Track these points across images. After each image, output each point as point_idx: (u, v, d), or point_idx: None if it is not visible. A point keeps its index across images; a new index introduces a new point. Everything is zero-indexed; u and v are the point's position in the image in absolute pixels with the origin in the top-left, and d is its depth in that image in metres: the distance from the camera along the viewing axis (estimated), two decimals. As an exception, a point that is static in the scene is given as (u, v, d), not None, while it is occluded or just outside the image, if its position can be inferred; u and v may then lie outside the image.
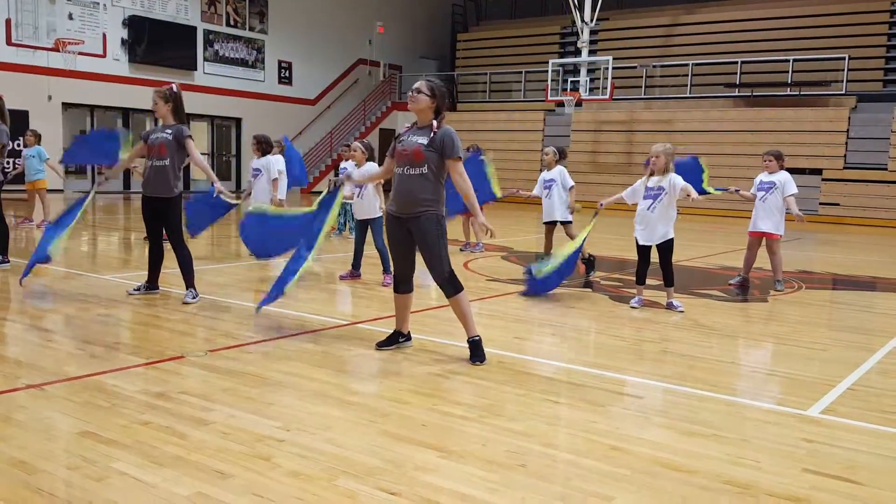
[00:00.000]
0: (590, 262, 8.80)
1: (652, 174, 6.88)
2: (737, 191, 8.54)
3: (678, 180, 6.75)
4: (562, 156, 9.01)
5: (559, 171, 8.80)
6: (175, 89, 6.62)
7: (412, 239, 4.97)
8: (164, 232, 6.78)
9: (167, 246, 6.75)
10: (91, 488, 2.90)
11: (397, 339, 5.23)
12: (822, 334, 6.45)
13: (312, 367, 4.66)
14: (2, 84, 19.18)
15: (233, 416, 3.73)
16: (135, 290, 6.84)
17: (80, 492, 2.87)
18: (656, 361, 5.22)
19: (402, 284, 5.16)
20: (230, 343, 5.21)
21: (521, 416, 3.90)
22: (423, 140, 4.82)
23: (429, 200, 4.85)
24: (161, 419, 3.65)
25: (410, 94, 4.90)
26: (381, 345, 5.18)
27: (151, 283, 6.85)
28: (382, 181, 5.20)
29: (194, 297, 6.57)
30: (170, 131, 6.47)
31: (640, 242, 7.03)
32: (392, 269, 5.30)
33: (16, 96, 19.62)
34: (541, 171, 9.26)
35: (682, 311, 6.84)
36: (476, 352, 4.94)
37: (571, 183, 8.79)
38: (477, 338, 4.98)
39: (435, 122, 4.86)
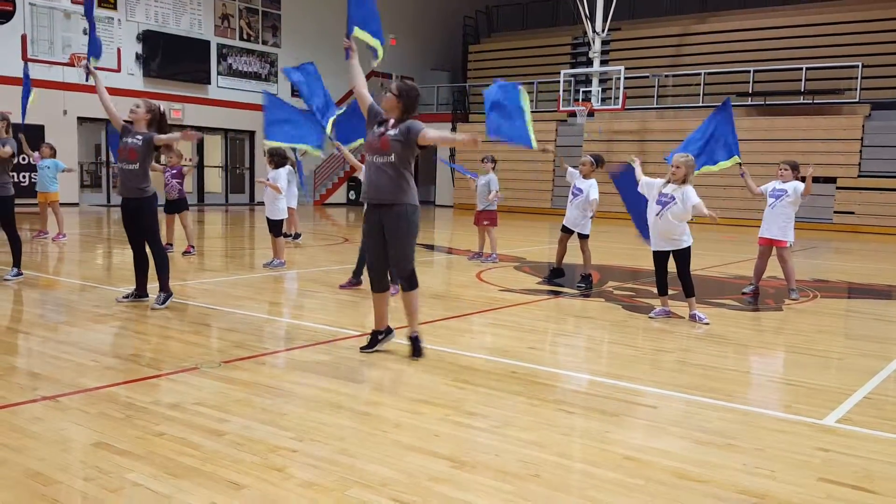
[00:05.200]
0: (586, 279, 8.73)
1: (669, 181, 6.85)
2: (743, 174, 8.42)
3: (691, 195, 6.66)
4: (599, 164, 8.97)
5: (590, 184, 8.76)
6: (162, 109, 6.94)
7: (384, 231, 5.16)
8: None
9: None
10: (106, 499, 2.91)
11: (377, 339, 5.39)
12: (837, 343, 6.40)
13: (325, 378, 4.67)
14: (18, 98, 19.33)
15: (246, 426, 3.74)
16: (124, 297, 7.04)
17: (95, 503, 2.88)
18: (670, 371, 5.19)
19: (378, 283, 5.31)
20: (243, 354, 5.23)
21: (535, 426, 3.89)
22: (390, 132, 5.04)
23: (397, 190, 5.05)
24: (175, 430, 3.66)
25: (383, 93, 5.23)
26: (365, 348, 5.37)
27: (140, 291, 7.03)
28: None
29: (163, 302, 6.74)
30: (140, 137, 6.73)
31: (651, 247, 7.00)
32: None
33: (32, 111, 19.79)
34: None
35: (707, 324, 6.70)
36: (416, 348, 5.22)
37: (595, 197, 8.74)
38: (416, 335, 5.27)
39: (392, 120, 5.09)
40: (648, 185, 7.03)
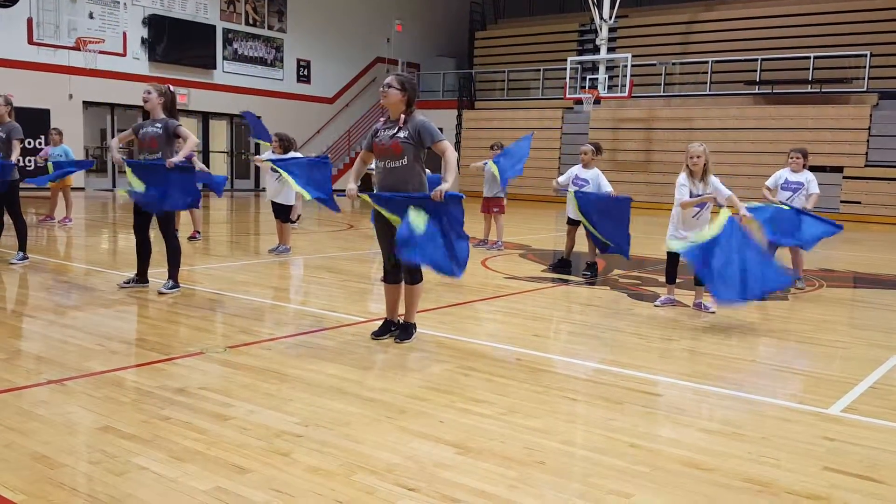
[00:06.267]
0: (591, 267, 8.71)
1: (691, 174, 6.59)
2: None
3: (722, 188, 6.58)
4: (599, 152, 8.83)
5: (595, 174, 8.61)
6: (171, 89, 6.88)
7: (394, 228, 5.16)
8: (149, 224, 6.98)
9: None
10: (112, 482, 2.92)
11: (389, 328, 5.39)
12: (843, 332, 6.39)
13: (330, 364, 4.67)
14: (23, 82, 19.36)
15: (252, 411, 3.75)
16: (125, 283, 7.03)
17: (101, 486, 2.89)
18: (675, 359, 5.19)
19: (392, 274, 5.35)
20: (249, 340, 5.24)
21: (540, 413, 3.89)
22: (400, 133, 5.04)
23: (411, 190, 5.10)
24: (181, 414, 3.67)
25: (381, 89, 5.12)
26: (377, 334, 5.36)
27: (141, 277, 7.03)
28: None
29: (171, 288, 6.74)
30: (159, 125, 6.65)
31: (676, 249, 6.69)
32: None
33: (37, 95, 19.82)
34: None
35: (712, 313, 6.67)
36: (404, 333, 5.28)
37: (609, 189, 8.59)
38: (413, 324, 5.34)
39: (402, 116, 5.06)
40: (690, 193, 6.61)
